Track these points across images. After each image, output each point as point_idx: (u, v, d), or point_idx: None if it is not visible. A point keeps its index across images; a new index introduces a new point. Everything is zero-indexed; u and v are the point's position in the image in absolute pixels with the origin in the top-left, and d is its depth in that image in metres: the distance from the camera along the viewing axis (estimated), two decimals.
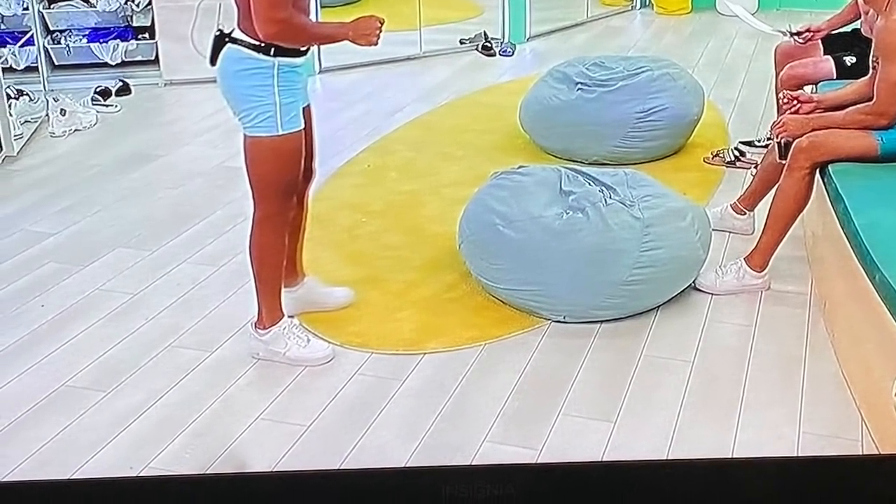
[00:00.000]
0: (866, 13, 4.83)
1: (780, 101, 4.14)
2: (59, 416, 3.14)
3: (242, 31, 3.16)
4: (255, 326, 3.47)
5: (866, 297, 3.02)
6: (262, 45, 3.12)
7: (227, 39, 3.19)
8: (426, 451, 2.96)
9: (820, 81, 4.83)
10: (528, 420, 3.11)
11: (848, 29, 5.02)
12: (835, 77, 4.77)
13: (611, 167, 4.45)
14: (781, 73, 5.00)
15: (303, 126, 3.29)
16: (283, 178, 3.28)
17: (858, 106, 3.75)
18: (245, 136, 3.24)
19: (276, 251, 3.40)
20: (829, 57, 4.87)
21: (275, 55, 3.13)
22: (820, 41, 5.05)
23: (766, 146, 5.18)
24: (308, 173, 3.49)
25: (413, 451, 2.96)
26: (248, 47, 3.13)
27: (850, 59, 4.76)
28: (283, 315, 3.47)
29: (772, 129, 3.98)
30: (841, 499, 1.43)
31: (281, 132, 3.19)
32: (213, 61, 3.24)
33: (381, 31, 3.23)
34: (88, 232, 4.54)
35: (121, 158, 5.53)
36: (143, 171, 5.32)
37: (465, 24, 8.54)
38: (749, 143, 5.35)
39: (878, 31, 3.69)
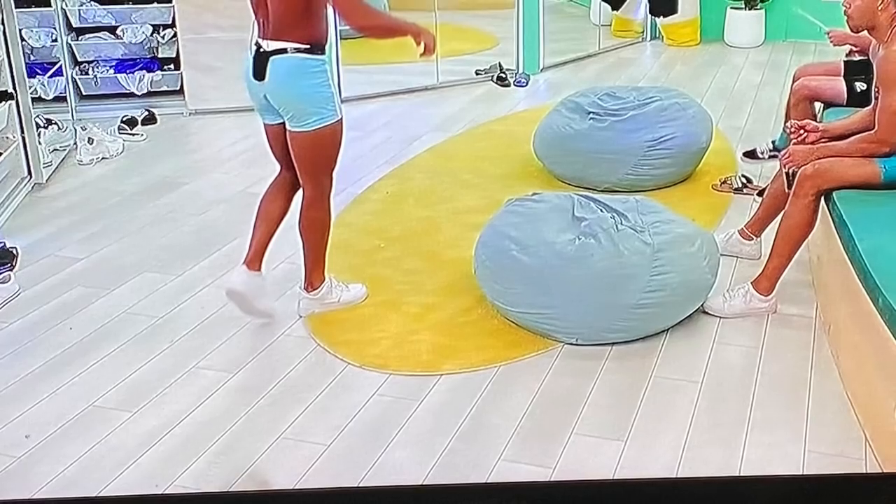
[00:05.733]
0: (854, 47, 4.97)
1: (788, 129, 4.21)
2: (87, 436, 3.21)
3: (287, 41, 3.54)
4: (306, 290, 3.98)
5: (870, 320, 3.07)
6: (311, 47, 3.54)
7: (269, 54, 3.56)
8: (442, 469, 3.02)
9: (829, 101, 4.93)
10: (542, 439, 3.17)
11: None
12: (845, 100, 4.86)
13: (622, 194, 4.51)
14: (795, 84, 5.10)
15: None
16: (337, 155, 3.79)
17: (861, 134, 3.83)
18: (305, 131, 3.65)
19: (328, 220, 3.93)
20: (841, 79, 4.97)
21: (321, 53, 3.61)
22: (842, 63, 5.14)
23: (769, 157, 5.30)
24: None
25: (430, 469, 3.02)
26: (301, 52, 3.57)
27: (860, 85, 4.85)
28: (325, 276, 4.00)
29: (780, 159, 4.04)
30: None
31: (339, 115, 3.69)
32: (260, 76, 3.60)
33: (432, 51, 3.72)
34: (115, 257, 4.64)
35: (147, 186, 5.64)
36: (168, 198, 5.43)
37: (480, 55, 8.65)
38: (751, 154, 5.44)
39: (879, 61, 3.78)
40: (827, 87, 4.98)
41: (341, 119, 3.72)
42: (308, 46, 3.57)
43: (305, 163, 3.77)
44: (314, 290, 3.98)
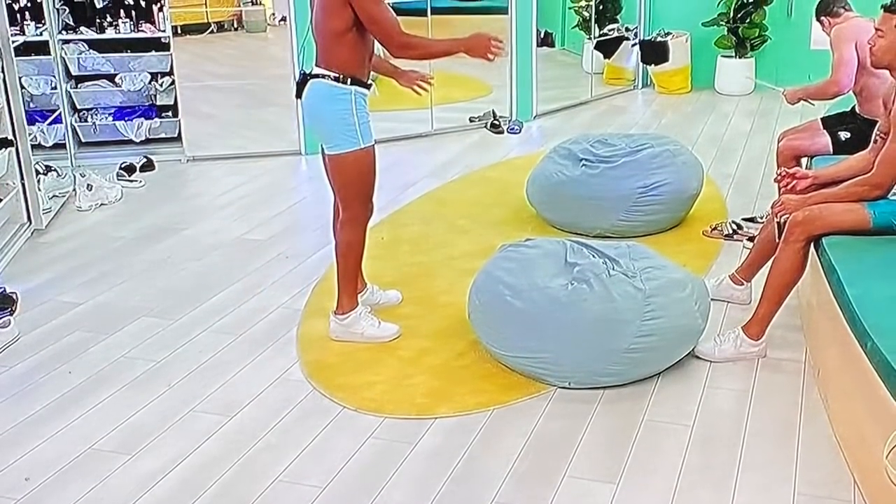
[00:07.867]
0: (859, 93, 5.03)
1: (777, 179, 4.25)
2: (86, 479, 3.23)
3: (323, 68, 3.78)
4: (335, 313, 4.14)
5: (858, 364, 3.09)
6: (341, 76, 3.75)
7: (309, 77, 3.83)
8: None
9: (815, 154, 4.99)
10: (535, 482, 3.19)
11: (846, 108, 5.19)
12: (831, 151, 4.93)
13: (614, 240, 4.56)
14: (780, 145, 5.17)
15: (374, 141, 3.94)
16: (363, 183, 3.96)
17: (856, 178, 3.82)
18: (330, 154, 3.91)
19: (357, 247, 4.08)
20: (824, 132, 5.06)
21: (351, 84, 3.79)
22: (819, 119, 5.23)
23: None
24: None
25: None
26: (330, 79, 3.80)
27: (844, 135, 4.93)
28: (358, 303, 4.15)
29: (772, 208, 4.06)
30: None
31: (362, 145, 3.86)
32: (300, 94, 3.89)
33: (497, 49, 3.75)
34: (114, 302, 4.68)
35: (145, 231, 5.71)
36: (166, 244, 5.49)
37: (474, 102, 8.76)
38: (752, 220, 5.49)
39: None
40: (810, 143, 5.05)
41: (367, 150, 3.88)
42: (338, 75, 3.79)
43: (334, 184, 4.00)
44: (342, 314, 4.14)
